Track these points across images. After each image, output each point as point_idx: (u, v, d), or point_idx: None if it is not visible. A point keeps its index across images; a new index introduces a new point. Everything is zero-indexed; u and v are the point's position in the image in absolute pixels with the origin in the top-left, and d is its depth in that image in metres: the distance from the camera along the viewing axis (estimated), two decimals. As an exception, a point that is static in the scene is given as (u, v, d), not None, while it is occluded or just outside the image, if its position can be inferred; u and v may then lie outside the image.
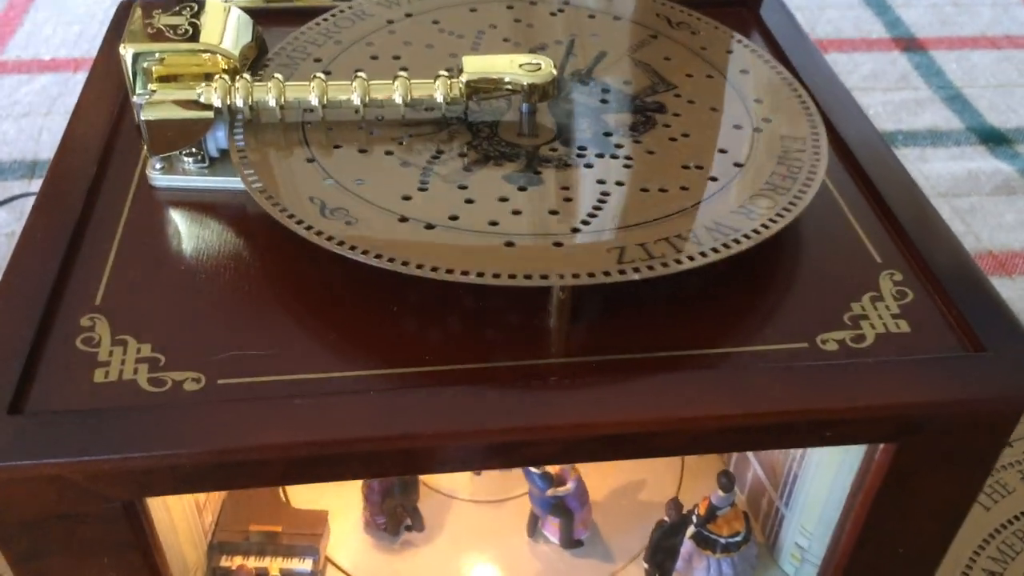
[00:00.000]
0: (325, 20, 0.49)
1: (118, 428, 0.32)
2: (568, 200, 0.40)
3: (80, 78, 0.89)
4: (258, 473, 0.33)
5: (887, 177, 0.45)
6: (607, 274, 0.35)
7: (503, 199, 0.39)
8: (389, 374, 0.35)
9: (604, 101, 0.46)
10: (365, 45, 0.47)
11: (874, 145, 0.47)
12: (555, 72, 0.43)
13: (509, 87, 0.42)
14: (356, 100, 0.42)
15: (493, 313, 0.37)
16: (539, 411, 0.33)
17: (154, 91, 0.42)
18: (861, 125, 0.48)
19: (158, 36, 0.43)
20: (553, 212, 0.39)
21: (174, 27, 0.43)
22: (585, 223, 0.38)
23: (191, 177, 0.43)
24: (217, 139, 0.43)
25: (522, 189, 0.40)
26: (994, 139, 0.88)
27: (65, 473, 0.31)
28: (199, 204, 0.42)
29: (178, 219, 0.41)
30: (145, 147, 0.43)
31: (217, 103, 0.41)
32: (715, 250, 0.37)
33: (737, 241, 0.38)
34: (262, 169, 0.40)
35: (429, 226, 0.37)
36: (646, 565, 0.48)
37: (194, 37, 0.43)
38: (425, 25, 0.49)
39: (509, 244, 0.37)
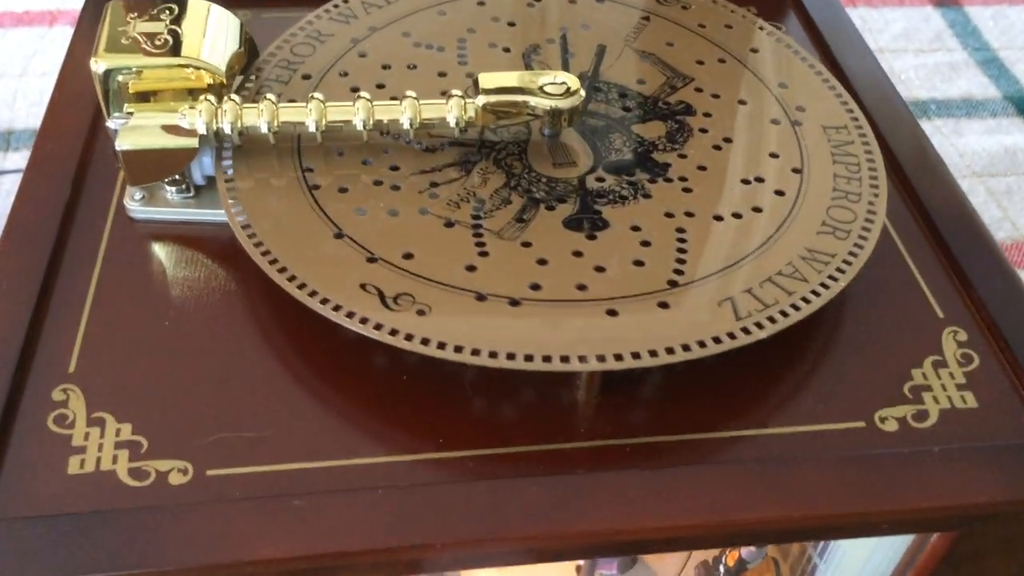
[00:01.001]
0: (280, 49, 0.42)
1: (95, 541, 0.28)
2: (646, 244, 0.35)
3: (56, 33, 0.83)
4: (252, 582, 0.29)
5: (944, 205, 0.41)
6: (732, 336, 0.32)
7: (577, 253, 0.35)
8: (398, 463, 0.31)
9: (626, 108, 0.42)
10: (339, 76, 0.41)
11: (928, 162, 0.43)
12: (583, 93, 0.38)
13: (532, 112, 0.38)
14: (359, 123, 0.37)
15: (511, 385, 0.33)
16: (565, 515, 0.30)
17: (131, 113, 0.37)
18: (915, 141, 0.44)
19: (134, 47, 0.38)
20: (638, 263, 0.35)
21: (152, 36, 0.38)
22: (679, 272, 0.34)
23: (174, 209, 0.38)
24: (203, 165, 0.38)
25: (591, 238, 0.35)
26: (1033, 110, 0.83)
27: (36, 590, 0.28)
28: (185, 239, 0.38)
29: (161, 262, 0.37)
30: (122, 174, 0.38)
31: (202, 129, 0.36)
32: (825, 285, 0.34)
33: (841, 270, 0.35)
34: (281, 247, 0.34)
35: (514, 302, 0.33)
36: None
37: (175, 48, 0.38)
38: (396, 40, 0.43)
39: (612, 312, 0.33)
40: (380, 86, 0.41)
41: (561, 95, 0.37)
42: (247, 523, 0.29)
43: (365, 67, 0.42)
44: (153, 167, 0.37)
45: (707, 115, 0.42)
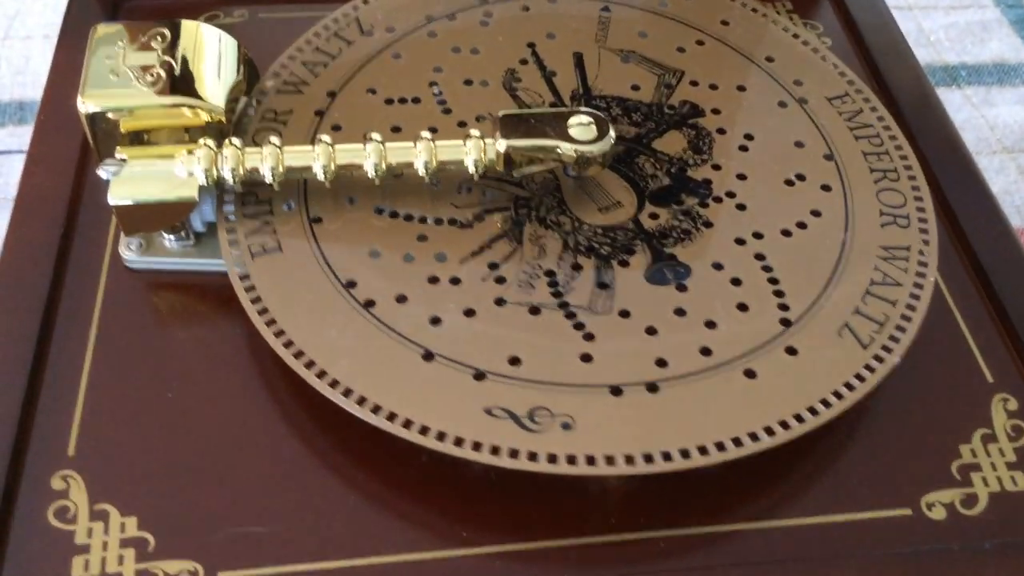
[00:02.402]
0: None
1: (103, 660, 0.27)
2: (737, 283, 0.34)
3: (40, -10, 0.78)
4: None
5: (995, 250, 0.38)
6: (871, 369, 0.32)
7: (679, 312, 0.33)
8: (420, 561, 0.29)
9: (636, 123, 0.39)
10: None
11: (979, 198, 0.40)
12: (613, 135, 0.35)
13: (559, 159, 0.35)
14: (370, 168, 0.34)
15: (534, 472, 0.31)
16: (601, 628, 0.28)
17: (123, 160, 0.34)
18: (969, 182, 0.41)
19: (125, 82, 0.35)
20: (742, 307, 0.33)
21: (144, 69, 0.35)
22: (784, 308, 0.33)
23: (174, 258, 0.36)
24: (203, 212, 0.35)
25: (681, 289, 0.33)
26: (1067, 76, 0.79)
27: None
28: (186, 290, 0.36)
29: (162, 321, 0.35)
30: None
31: (202, 179, 0.34)
32: (918, 285, 0.34)
33: (923, 263, 0.35)
34: (360, 379, 0.30)
35: (652, 387, 0.31)
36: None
37: (170, 84, 0.35)
38: (364, 100, 0.38)
39: (750, 374, 0.31)
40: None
41: (592, 140, 0.34)
42: (263, 641, 0.27)
43: (347, 143, 0.36)
44: (149, 218, 0.34)
45: (716, 112, 0.40)
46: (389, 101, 0.39)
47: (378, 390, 0.30)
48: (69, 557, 0.29)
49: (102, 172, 0.34)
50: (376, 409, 0.29)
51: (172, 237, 0.36)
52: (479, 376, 0.31)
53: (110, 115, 0.34)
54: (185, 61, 0.35)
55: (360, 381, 0.30)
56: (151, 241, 0.36)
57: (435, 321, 0.32)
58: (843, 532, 0.31)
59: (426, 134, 0.35)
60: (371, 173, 0.34)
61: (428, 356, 0.31)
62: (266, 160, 0.34)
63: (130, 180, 0.34)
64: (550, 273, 0.34)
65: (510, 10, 0.43)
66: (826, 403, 0.31)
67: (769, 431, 0.30)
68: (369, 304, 0.32)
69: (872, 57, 0.45)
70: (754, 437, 0.29)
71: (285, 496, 0.30)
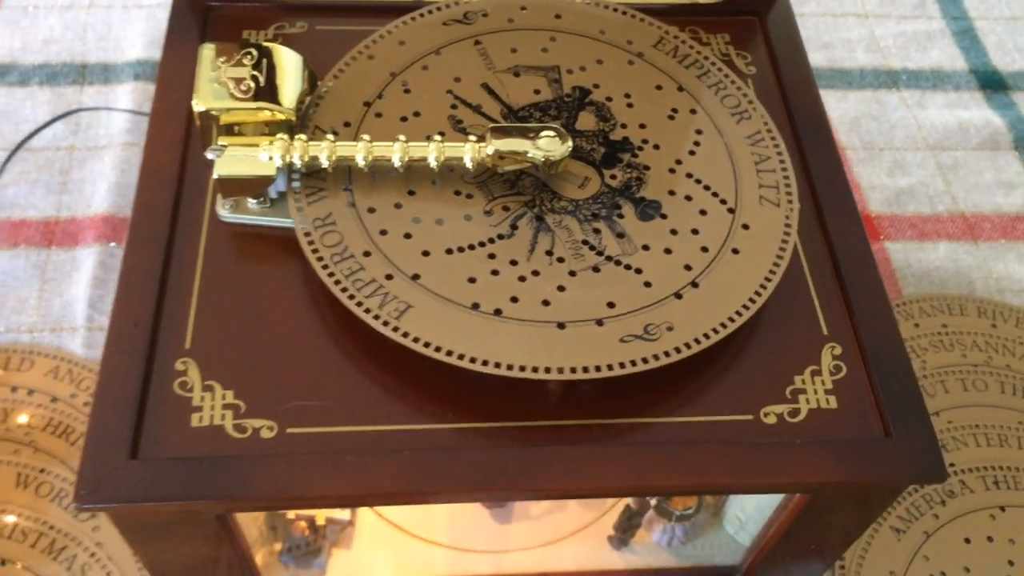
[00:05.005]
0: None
1: (213, 475, 0.42)
2: (689, 199, 0.49)
3: (119, -36, 0.92)
4: (311, 507, 0.43)
5: (845, 235, 0.52)
6: (789, 218, 0.49)
7: (673, 232, 0.47)
8: (419, 430, 0.44)
9: (555, 118, 0.52)
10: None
11: (840, 194, 0.54)
12: (571, 144, 0.49)
13: (531, 159, 0.49)
14: (396, 160, 0.49)
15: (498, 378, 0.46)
16: (531, 476, 0.43)
17: (224, 146, 0.48)
18: (835, 177, 0.54)
19: (224, 90, 0.49)
20: (703, 212, 0.48)
21: (238, 80, 0.49)
22: (724, 202, 0.49)
23: (255, 216, 0.50)
24: (277, 184, 0.50)
25: (664, 216, 0.48)
26: (992, 84, 0.91)
27: (173, 508, 0.42)
28: (263, 239, 0.50)
29: (246, 259, 0.49)
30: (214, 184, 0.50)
31: (279, 163, 0.48)
32: (779, 154, 0.51)
33: (774, 139, 0.52)
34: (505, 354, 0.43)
35: (695, 284, 0.46)
36: (614, 532, 0.59)
37: (257, 93, 0.49)
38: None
39: (735, 251, 0.47)
40: (408, 235, 0.47)
41: (556, 149, 0.48)
42: (314, 471, 0.42)
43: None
44: (241, 187, 0.49)
45: (596, 86, 0.53)
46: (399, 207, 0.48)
47: (553, 359, 0.43)
48: (188, 414, 0.44)
49: (209, 154, 0.48)
50: (560, 370, 0.42)
51: (254, 201, 0.50)
52: (599, 323, 0.44)
53: (213, 112, 0.49)
54: (267, 74, 0.50)
55: (538, 359, 0.43)
56: (239, 203, 0.50)
57: (546, 303, 0.44)
58: (707, 427, 0.45)
59: (437, 137, 0.49)
60: (396, 163, 0.49)
61: (561, 326, 0.44)
62: (324, 151, 0.48)
63: (229, 160, 0.48)
64: (585, 242, 0.47)
65: (416, 72, 0.53)
66: (783, 249, 0.47)
67: (768, 278, 0.46)
68: (498, 312, 0.44)
69: (784, 86, 0.58)
70: (767, 281, 0.46)
71: (331, 384, 0.45)
